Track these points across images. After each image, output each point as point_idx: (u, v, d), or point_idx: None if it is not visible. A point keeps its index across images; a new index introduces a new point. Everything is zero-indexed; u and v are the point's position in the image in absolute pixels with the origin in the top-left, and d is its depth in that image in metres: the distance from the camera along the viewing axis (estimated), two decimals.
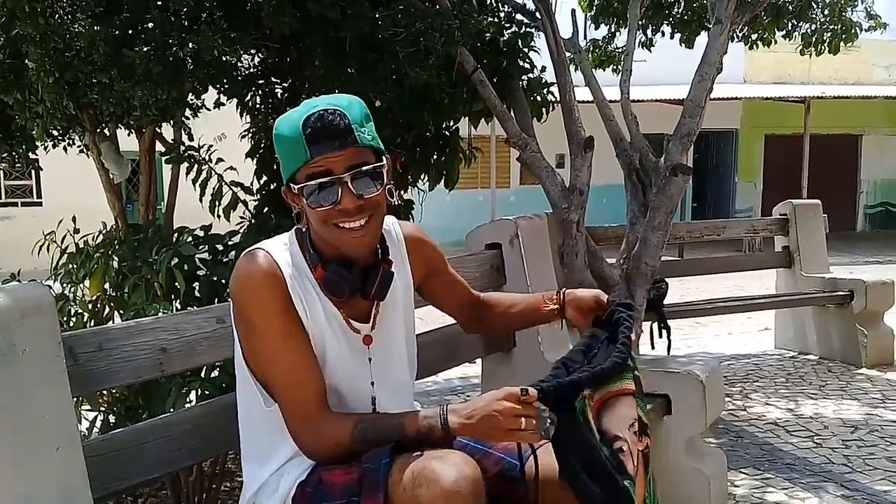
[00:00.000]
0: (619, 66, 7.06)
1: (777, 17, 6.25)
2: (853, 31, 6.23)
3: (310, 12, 3.39)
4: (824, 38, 6.25)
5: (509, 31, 4.79)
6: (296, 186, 1.67)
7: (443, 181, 4.98)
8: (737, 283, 8.99)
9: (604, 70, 6.89)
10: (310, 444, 1.67)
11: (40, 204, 16.54)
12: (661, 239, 4.67)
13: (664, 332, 6.00)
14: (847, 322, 6.33)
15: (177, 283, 3.03)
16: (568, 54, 5.26)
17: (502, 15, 4.80)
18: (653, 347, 5.49)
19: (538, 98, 5.09)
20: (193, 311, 2.31)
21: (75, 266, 3.35)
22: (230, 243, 3.50)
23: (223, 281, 3.18)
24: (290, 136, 1.65)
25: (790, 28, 6.33)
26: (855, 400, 5.29)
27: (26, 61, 3.40)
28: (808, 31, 6.32)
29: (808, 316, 6.71)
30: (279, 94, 4.42)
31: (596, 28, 6.60)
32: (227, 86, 3.62)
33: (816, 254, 6.74)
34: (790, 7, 6.28)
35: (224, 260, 3.38)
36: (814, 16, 6.29)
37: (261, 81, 4.36)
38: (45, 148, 4.32)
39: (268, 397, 1.74)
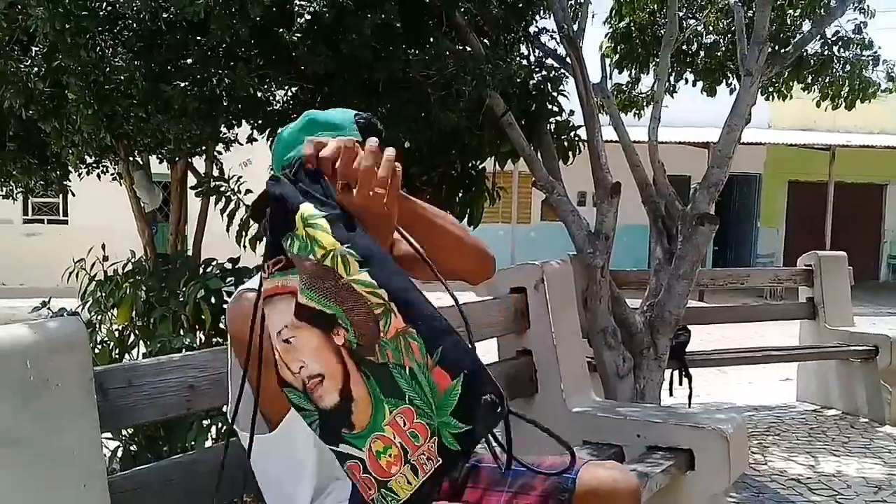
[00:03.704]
0: (642, 111, 7.11)
1: (798, 69, 6.27)
2: (871, 89, 6.24)
3: (343, 52, 3.44)
4: (842, 93, 6.26)
5: (539, 73, 4.84)
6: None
7: (466, 219, 5.01)
8: (758, 330, 8.89)
9: (626, 114, 6.92)
10: None
11: (66, 222, 16.77)
12: (685, 288, 4.64)
13: (685, 381, 5.92)
14: (871, 377, 6.23)
15: (203, 316, 3.05)
16: (596, 99, 5.30)
17: (532, 59, 4.84)
18: (671, 394, 5.45)
19: (565, 141, 5.13)
20: (221, 348, 2.32)
21: (104, 294, 3.39)
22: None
23: None
24: (293, 136, 1.59)
25: (809, 81, 6.35)
26: (879, 458, 5.19)
27: (66, 92, 3.47)
28: (827, 84, 6.33)
29: (831, 369, 6.61)
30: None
31: (619, 73, 6.64)
32: (260, 122, 3.68)
33: (841, 306, 6.65)
34: (811, 61, 6.30)
35: None
36: (834, 70, 6.30)
37: (294, 116, 4.43)
38: (80, 175, 4.39)
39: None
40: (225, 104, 3.33)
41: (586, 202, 14.93)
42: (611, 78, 6.99)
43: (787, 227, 19.22)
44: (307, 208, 1.15)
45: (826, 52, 6.43)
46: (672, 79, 6.86)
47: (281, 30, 3.31)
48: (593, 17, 6.48)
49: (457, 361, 1.08)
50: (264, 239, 1.27)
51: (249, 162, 5.53)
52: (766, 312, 7.97)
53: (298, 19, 3.31)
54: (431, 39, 3.88)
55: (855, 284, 6.84)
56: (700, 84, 6.91)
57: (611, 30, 6.64)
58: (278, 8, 3.39)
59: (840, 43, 6.37)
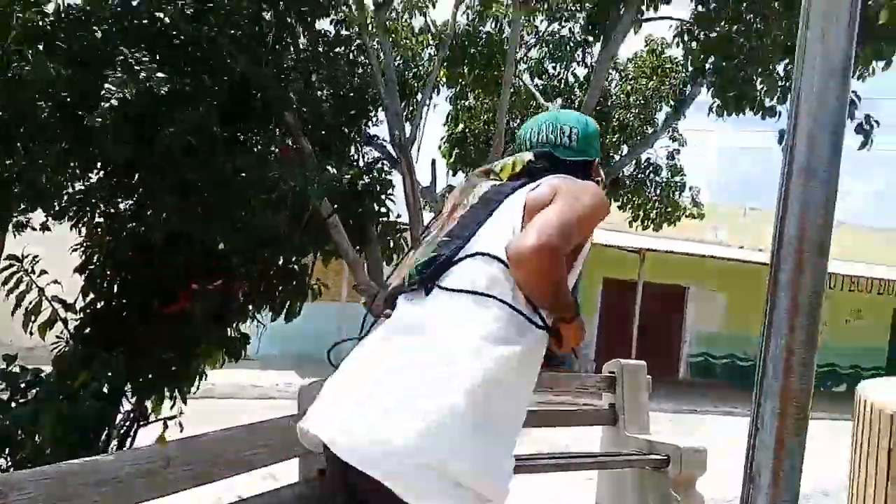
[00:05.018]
0: None
1: (615, 188, 6.73)
2: (677, 213, 6.81)
3: (154, 145, 3.23)
4: (651, 215, 6.79)
5: (369, 176, 4.84)
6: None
7: (284, 314, 4.85)
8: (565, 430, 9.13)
9: None
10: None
11: None
12: None
13: None
14: (663, 486, 6.53)
15: None
16: (425, 202, 5.37)
17: (362, 162, 4.84)
18: None
19: (392, 242, 5.13)
20: None
21: None
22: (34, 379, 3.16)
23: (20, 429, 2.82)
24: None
25: (624, 201, 6.84)
26: None
27: None
28: (639, 205, 6.85)
29: (627, 475, 6.87)
30: (123, 211, 4.18)
31: (454, 175, 6.83)
32: (55, 209, 3.36)
33: (639, 415, 6.98)
34: (627, 182, 6.80)
35: (23, 401, 3.02)
36: (647, 192, 6.83)
37: (99, 197, 4.11)
38: None
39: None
40: (17, 191, 3.01)
41: None
42: (454, 175, 7.17)
43: (601, 320, 20.36)
44: None
45: (640, 176, 6.97)
46: None
47: (81, 113, 3.04)
48: (423, 125, 6.66)
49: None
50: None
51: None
52: (571, 418, 8.21)
53: (103, 104, 3.06)
54: (257, 139, 3.76)
55: (656, 381, 7.20)
56: None
57: (447, 133, 6.84)
58: (84, 89, 3.13)
59: (652, 168, 6.93)
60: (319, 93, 3.80)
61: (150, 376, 4.44)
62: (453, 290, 1.58)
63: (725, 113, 4.80)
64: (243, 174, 3.50)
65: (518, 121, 7.04)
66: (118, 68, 2.81)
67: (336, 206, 4.30)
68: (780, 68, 4.50)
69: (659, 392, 8.32)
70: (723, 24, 4.52)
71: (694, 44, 5.12)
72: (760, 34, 4.00)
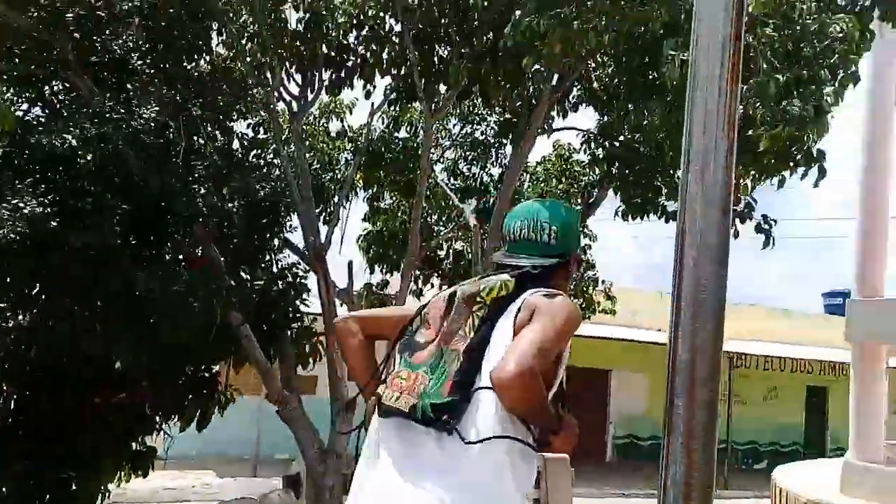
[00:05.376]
0: None
1: None
2: (591, 307, 6.97)
3: (53, 264, 3.16)
4: None
5: (283, 282, 4.81)
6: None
7: (196, 422, 4.71)
8: None
9: None
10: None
11: None
12: None
13: None
14: None
15: None
16: (340, 304, 5.36)
17: (276, 269, 4.81)
18: None
19: (307, 346, 5.08)
20: None
21: None
22: None
23: None
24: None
25: None
26: None
27: None
28: None
29: None
30: (19, 328, 4.02)
31: (371, 273, 6.84)
32: None
33: None
34: None
35: None
36: None
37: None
38: None
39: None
40: None
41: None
42: (372, 273, 7.14)
43: None
44: None
45: None
46: (420, 282, 7.17)
47: None
48: (344, 227, 6.72)
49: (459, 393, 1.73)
50: None
51: None
52: None
53: None
54: (166, 251, 3.72)
55: (584, 462, 7.23)
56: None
57: (365, 232, 6.88)
58: None
59: None
60: (231, 203, 3.80)
61: (47, 497, 4.21)
62: (473, 443, 1.69)
63: (630, 217, 5.02)
64: (149, 288, 3.44)
65: (434, 217, 7.16)
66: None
67: (248, 313, 4.24)
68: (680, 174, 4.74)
69: (587, 475, 8.30)
70: (625, 133, 4.75)
71: (600, 150, 5.37)
72: (661, 143, 4.21)
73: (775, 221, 4.78)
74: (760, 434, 21.40)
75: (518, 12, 3.50)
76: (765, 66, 3.39)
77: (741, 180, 4.15)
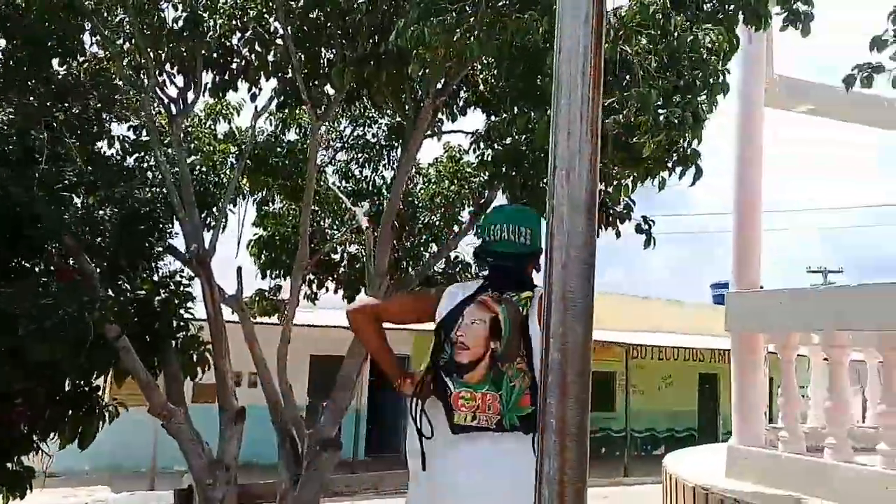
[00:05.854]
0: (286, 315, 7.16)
1: (428, 286, 6.88)
2: None
3: None
4: None
5: (165, 291, 4.65)
6: None
7: (78, 440, 4.49)
8: None
9: (269, 317, 6.92)
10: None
11: None
12: None
13: None
14: None
15: None
16: (229, 310, 5.23)
17: (157, 277, 4.65)
18: None
19: (194, 356, 4.92)
20: None
21: None
22: None
23: None
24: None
25: None
26: None
27: None
28: None
29: None
30: None
31: (263, 278, 6.69)
32: None
33: None
34: (440, 278, 6.98)
35: None
36: None
37: None
38: None
39: None
40: None
41: (241, 383, 14.45)
42: (264, 279, 6.97)
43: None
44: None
45: (450, 272, 7.16)
46: (315, 286, 7.07)
47: None
48: (240, 230, 6.56)
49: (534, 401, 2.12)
50: None
51: None
52: None
53: None
54: (34, 264, 3.53)
55: None
56: (341, 292, 7.19)
57: (256, 237, 6.73)
58: None
59: (461, 265, 7.15)
60: (101, 212, 3.64)
61: None
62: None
63: None
64: (15, 303, 3.25)
65: (329, 221, 7.07)
66: None
67: (127, 324, 4.07)
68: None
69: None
70: (514, 135, 4.82)
71: (488, 152, 5.43)
72: (545, 146, 4.29)
73: (654, 222, 4.96)
74: (657, 421, 22.25)
75: (402, 20, 3.50)
76: (643, 75, 3.51)
77: (622, 182, 4.30)
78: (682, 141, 3.52)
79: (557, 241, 1.78)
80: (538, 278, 2.30)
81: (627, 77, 3.48)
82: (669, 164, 3.76)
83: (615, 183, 4.36)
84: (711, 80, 3.51)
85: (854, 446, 4.75)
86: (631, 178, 4.15)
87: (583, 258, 1.76)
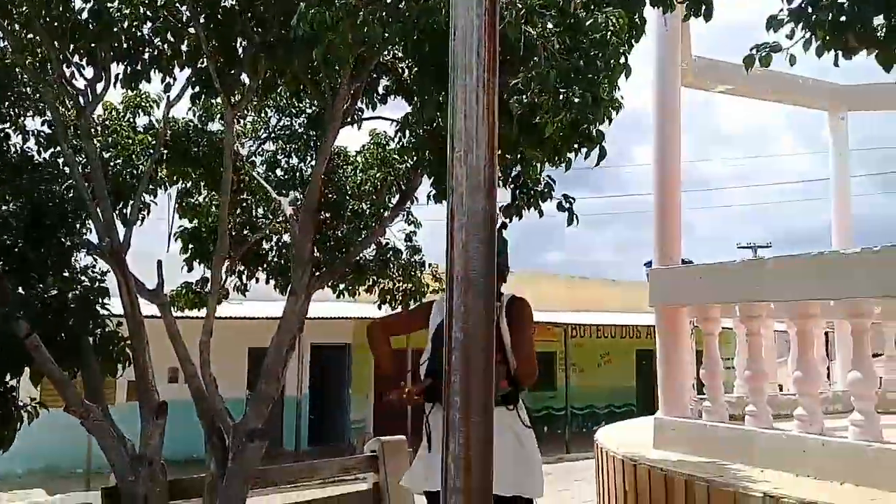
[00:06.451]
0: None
1: (361, 273, 6.88)
2: (421, 289, 7.09)
3: None
4: (397, 296, 7.01)
5: (80, 286, 4.54)
6: None
7: None
8: None
9: (197, 310, 6.81)
10: None
11: None
12: None
13: None
14: None
15: None
16: (147, 304, 5.13)
17: (68, 273, 4.53)
18: None
19: (114, 353, 4.83)
20: None
21: None
22: None
23: None
24: None
25: (371, 283, 7.00)
26: None
27: None
28: (388, 287, 7.05)
29: None
30: None
31: (189, 271, 6.57)
32: None
33: (404, 494, 7.04)
34: (372, 265, 6.97)
35: None
36: (391, 274, 7.05)
37: None
38: None
39: None
40: None
41: (178, 380, 14.19)
42: (190, 271, 6.84)
43: (375, 393, 20.41)
44: None
45: (382, 259, 7.16)
46: (245, 277, 6.99)
47: None
48: (170, 227, 6.43)
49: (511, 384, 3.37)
50: None
51: None
52: None
53: None
54: None
55: None
56: (273, 282, 7.11)
57: (181, 229, 6.61)
58: None
59: (392, 251, 7.16)
60: (5, 207, 3.53)
61: None
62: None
63: (441, 201, 5.14)
64: None
65: (260, 212, 6.99)
66: None
67: (38, 322, 3.97)
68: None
69: None
70: (433, 121, 4.83)
71: (412, 138, 5.43)
72: None
73: (574, 199, 5.04)
74: (597, 398, 22.67)
75: (303, 3, 3.48)
76: (546, 56, 3.57)
77: (534, 163, 4.36)
78: (586, 122, 3.59)
79: (458, 221, 1.81)
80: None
81: (535, 59, 3.53)
82: (575, 147, 3.83)
83: (529, 165, 4.42)
84: (612, 62, 3.58)
85: (776, 413, 4.94)
86: (539, 159, 4.20)
87: (483, 237, 1.79)
